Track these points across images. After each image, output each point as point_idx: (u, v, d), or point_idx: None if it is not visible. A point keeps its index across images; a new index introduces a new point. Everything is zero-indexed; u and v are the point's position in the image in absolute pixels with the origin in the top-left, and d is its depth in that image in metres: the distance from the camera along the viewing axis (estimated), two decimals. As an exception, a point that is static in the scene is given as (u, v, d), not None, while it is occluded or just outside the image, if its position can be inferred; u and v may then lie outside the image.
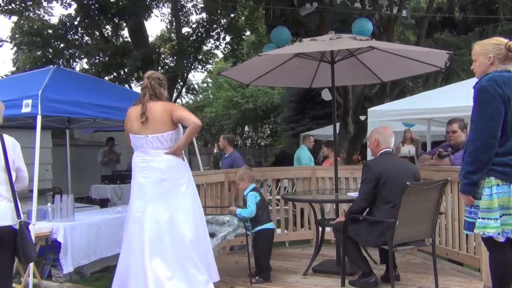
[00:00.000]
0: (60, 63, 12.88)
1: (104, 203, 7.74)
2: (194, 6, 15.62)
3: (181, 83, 15.23)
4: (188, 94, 20.92)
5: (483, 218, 2.83)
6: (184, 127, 3.49)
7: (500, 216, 2.79)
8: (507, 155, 2.82)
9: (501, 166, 2.80)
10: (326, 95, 10.77)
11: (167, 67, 14.86)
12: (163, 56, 15.57)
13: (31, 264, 4.21)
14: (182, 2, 15.11)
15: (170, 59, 15.58)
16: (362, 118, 10.06)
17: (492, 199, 2.80)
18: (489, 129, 2.79)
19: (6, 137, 2.97)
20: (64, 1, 13.30)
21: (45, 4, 13.89)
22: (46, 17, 14.79)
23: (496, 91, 2.77)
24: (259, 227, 4.04)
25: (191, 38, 14.65)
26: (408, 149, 7.40)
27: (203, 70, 17.12)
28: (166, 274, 3.21)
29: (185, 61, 14.20)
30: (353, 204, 3.74)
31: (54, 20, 14.93)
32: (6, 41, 14.87)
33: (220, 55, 17.69)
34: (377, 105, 8.18)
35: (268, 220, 4.10)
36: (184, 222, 3.35)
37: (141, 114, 3.38)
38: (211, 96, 28.93)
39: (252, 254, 4.14)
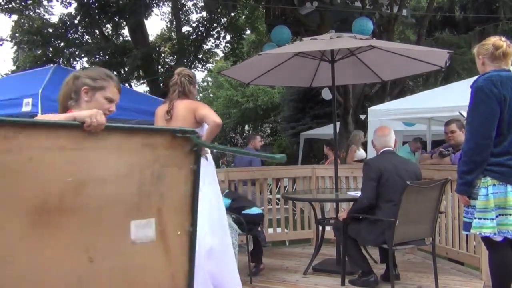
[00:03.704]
0: (60, 62, 12.89)
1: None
2: (195, 5, 15.66)
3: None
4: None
5: (480, 218, 2.83)
6: None
7: (497, 216, 2.80)
8: (503, 155, 2.82)
9: (497, 166, 2.81)
10: (326, 94, 10.77)
11: (167, 66, 14.86)
12: (163, 55, 15.59)
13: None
14: (183, 1, 15.13)
15: (170, 58, 15.60)
16: (362, 117, 10.06)
17: (489, 199, 2.81)
18: (484, 130, 2.80)
19: None
20: (64, 0, 13.31)
21: (45, 3, 13.94)
22: (46, 16, 14.85)
23: (492, 91, 2.77)
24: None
25: (191, 37, 14.67)
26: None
27: (203, 69, 17.14)
28: None
29: (185, 60, 14.22)
30: (357, 203, 3.72)
31: (54, 19, 15.00)
32: (7, 40, 14.92)
33: (220, 54, 17.73)
34: (377, 104, 8.18)
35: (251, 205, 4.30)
36: (201, 224, 3.26)
37: (166, 111, 3.33)
38: (211, 95, 28.96)
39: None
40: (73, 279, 1.57)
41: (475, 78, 3.04)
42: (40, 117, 1.85)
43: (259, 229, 4.25)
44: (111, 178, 1.63)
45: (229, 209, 4.03)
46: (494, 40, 2.91)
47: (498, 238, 2.83)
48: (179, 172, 1.78)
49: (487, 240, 2.91)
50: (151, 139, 1.71)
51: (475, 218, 2.86)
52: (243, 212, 4.14)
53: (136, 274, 1.72)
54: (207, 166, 3.38)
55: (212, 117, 3.26)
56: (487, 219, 2.80)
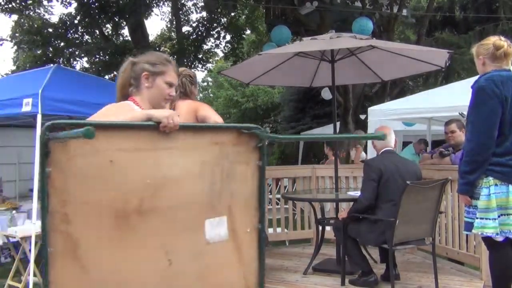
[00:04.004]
0: (60, 62, 12.89)
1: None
2: (195, 5, 15.66)
3: (181, 82, 15.22)
4: (188, 93, 20.89)
5: (481, 218, 2.84)
6: None
7: (498, 216, 2.80)
8: (505, 155, 2.82)
9: (499, 166, 2.81)
10: (326, 94, 10.78)
11: (167, 66, 14.81)
12: (163, 55, 15.55)
13: (32, 263, 4.22)
14: (183, 1, 15.13)
15: (170, 58, 15.58)
16: (362, 117, 10.07)
17: (490, 199, 2.81)
18: (486, 130, 2.80)
19: None
20: (64, 0, 13.30)
21: (45, 2, 13.92)
22: (47, 16, 14.84)
23: (494, 91, 2.78)
24: None
25: (191, 37, 14.67)
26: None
27: (203, 69, 17.13)
28: None
29: (185, 60, 14.21)
30: (357, 203, 3.73)
31: (54, 19, 15.00)
32: (7, 40, 14.91)
33: (220, 54, 17.72)
34: (377, 104, 8.18)
35: None
36: None
37: None
38: (211, 95, 28.95)
39: None
40: (155, 281, 1.55)
41: (475, 78, 3.04)
42: (103, 112, 1.79)
43: None
44: (185, 177, 1.61)
45: None
46: (494, 40, 2.90)
47: (500, 238, 2.83)
48: (247, 169, 1.76)
49: (488, 240, 2.91)
50: (219, 136, 1.70)
51: (477, 218, 2.86)
52: None
53: (210, 275, 1.69)
54: None
55: (213, 117, 3.26)
56: (489, 219, 2.80)
